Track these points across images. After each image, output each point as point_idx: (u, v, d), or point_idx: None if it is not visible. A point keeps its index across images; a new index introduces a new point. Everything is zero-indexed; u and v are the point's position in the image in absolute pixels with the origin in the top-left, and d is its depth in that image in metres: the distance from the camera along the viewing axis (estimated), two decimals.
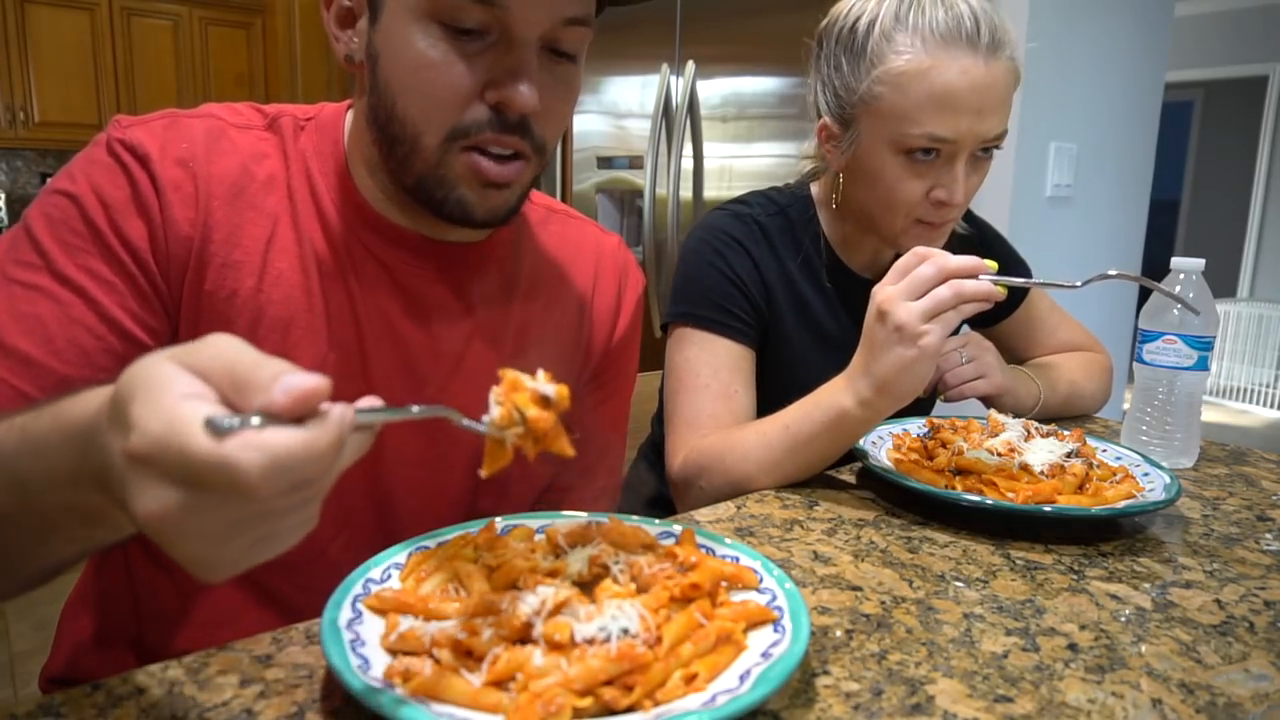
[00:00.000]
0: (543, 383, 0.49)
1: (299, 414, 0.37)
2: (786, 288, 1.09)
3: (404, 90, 0.66)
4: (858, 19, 0.98)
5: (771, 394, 1.03)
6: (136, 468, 0.37)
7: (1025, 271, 1.26)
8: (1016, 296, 1.25)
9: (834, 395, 0.87)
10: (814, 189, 1.16)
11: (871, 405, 0.84)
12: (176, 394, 0.36)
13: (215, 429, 0.35)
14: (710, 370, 1.03)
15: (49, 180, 0.67)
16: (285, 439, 0.36)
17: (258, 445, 0.35)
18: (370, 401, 0.42)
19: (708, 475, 0.95)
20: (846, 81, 1.00)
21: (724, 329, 1.04)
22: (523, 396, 0.49)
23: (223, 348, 0.39)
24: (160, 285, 0.67)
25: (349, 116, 0.76)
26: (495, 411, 0.48)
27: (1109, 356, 1.30)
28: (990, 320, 1.27)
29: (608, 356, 0.88)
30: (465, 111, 0.66)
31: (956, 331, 0.92)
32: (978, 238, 1.24)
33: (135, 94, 4.66)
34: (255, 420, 0.36)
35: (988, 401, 1.13)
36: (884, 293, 0.81)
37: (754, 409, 1.04)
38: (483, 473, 0.49)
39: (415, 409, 0.44)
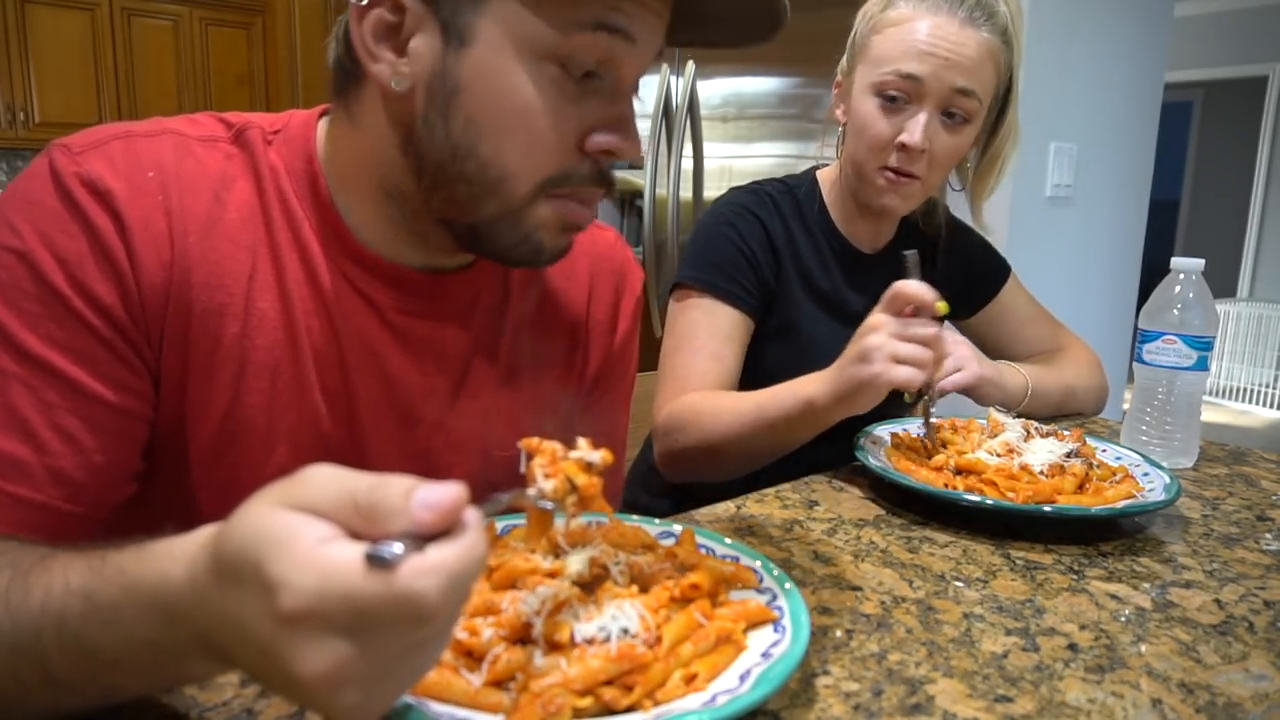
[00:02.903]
0: (587, 451, 0.48)
1: (447, 527, 0.36)
2: (794, 256, 1.18)
3: (498, 132, 0.59)
4: None
5: (775, 353, 1.15)
6: (296, 628, 0.34)
7: (1005, 271, 1.34)
8: (990, 290, 1.33)
9: (806, 387, 0.93)
10: (821, 175, 1.24)
11: (830, 406, 0.90)
12: (313, 540, 0.34)
13: (379, 563, 0.33)
14: (707, 333, 1.11)
15: None
16: (454, 556, 0.35)
17: (432, 569, 0.34)
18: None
19: (683, 431, 1.04)
20: (855, 37, 1.14)
21: (728, 296, 1.12)
22: (570, 465, 0.48)
23: (328, 480, 0.36)
24: (138, 341, 0.59)
25: (321, 126, 0.68)
26: (548, 485, 0.47)
27: (1093, 351, 1.33)
28: (964, 314, 1.34)
29: (607, 362, 0.85)
30: (565, 160, 0.61)
31: (921, 395, 0.98)
32: (950, 243, 1.31)
33: (135, 94, 4.66)
34: (403, 548, 0.34)
35: (978, 397, 1.14)
36: (877, 317, 0.87)
37: (738, 375, 1.13)
38: (528, 541, 0.49)
39: (503, 498, 0.43)
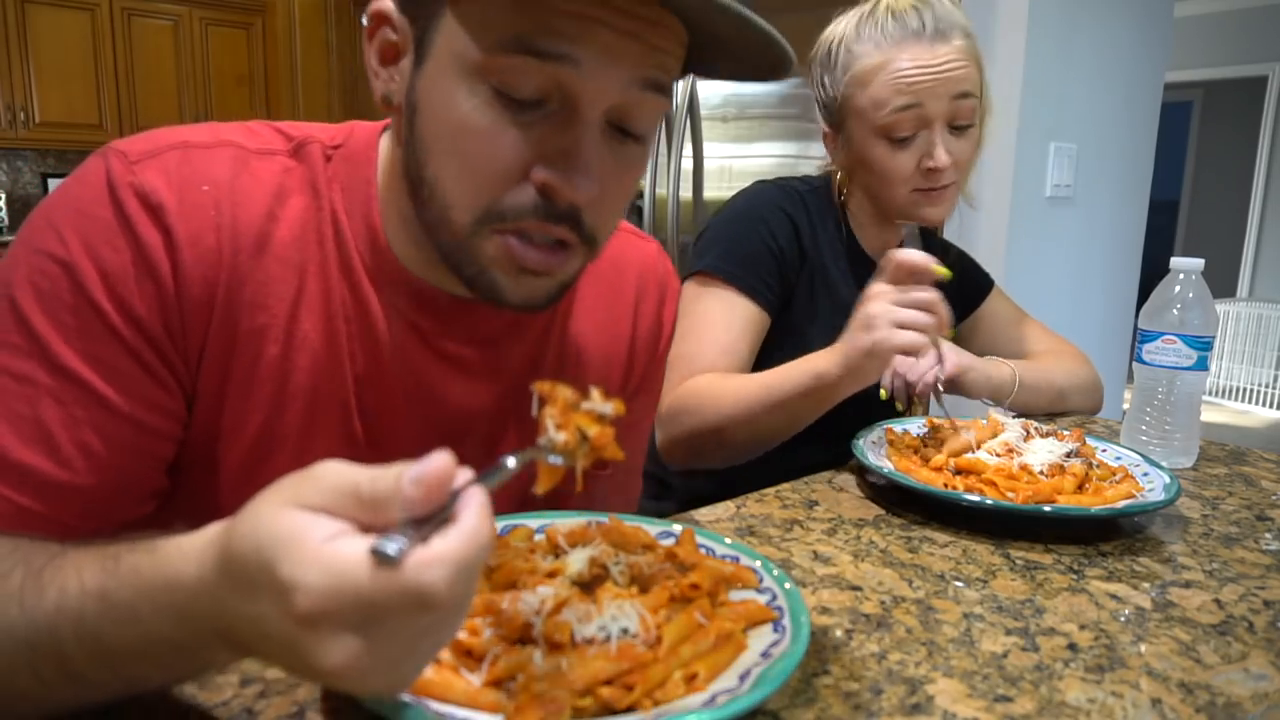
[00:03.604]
0: (599, 403, 0.47)
1: (439, 500, 0.36)
2: (817, 256, 1.20)
3: (439, 153, 0.56)
4: (829, 41, 1.16)
5: (780, 352, 1.12)
6: (312, 627, 0.34)
7: (989, 282, 1.38)
8: (976, 297, 1.36)
9: (814, 362, 0.95)
10: (838, 178, 1.25)
11: (839, 378, 0.92)
12: (320, 538, 0.35)
13: (384, 559, 0.34)
14: (724, 324, 1.11)
15: (31, 226, 0.56)
16: (456, 543, 0.35)
17: (435, 560, 0.34)
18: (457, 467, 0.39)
19: (688, 415, 1.04)
20: (829, 93, 1.16)
21: (750, 291, 1.13)
22: (581, 417, 0.47)
23: (333, 476, 0.37)
24: (174, 360, 0.58)
25: (384, 143, 0.66)
26: (559, 437, 0.46)
27: (1081, 350, 1.34)
28: (952, 322, 1.33)
29: (646, 375, 0.84)
30: (507, 192, 0.56)
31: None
32: (942, 250, 1.33)
33: (135, 94, 4.66)
34: (405, 542, 0.34)
35: (966, 388, 1.14)
36: (877, 286, 0.90)
37: (749, 370, 1.12)
38: (538, 490, 0.47)
39: (510, 462, 0.42)
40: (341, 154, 0.65)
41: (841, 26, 1.15)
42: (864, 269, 1.19)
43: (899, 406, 1.11)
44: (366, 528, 0.36)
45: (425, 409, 0.68)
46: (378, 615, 0.34)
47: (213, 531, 0.39)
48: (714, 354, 1.09)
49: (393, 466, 0.36)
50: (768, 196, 1.19)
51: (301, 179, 0.63)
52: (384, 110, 0.61)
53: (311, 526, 0.35)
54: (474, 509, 0.37)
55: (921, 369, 1.09)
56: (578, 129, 0.55)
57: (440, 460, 0.36)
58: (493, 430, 0.72)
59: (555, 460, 0.47)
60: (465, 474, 0.38)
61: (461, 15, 0.54)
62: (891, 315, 0.87)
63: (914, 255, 0.89)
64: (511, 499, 0.80)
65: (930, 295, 0.88)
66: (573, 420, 0.47)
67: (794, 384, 0.96)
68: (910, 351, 0.88)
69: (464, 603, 0.37)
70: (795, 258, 1.16)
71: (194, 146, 0.60)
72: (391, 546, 0.34)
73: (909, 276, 0.89)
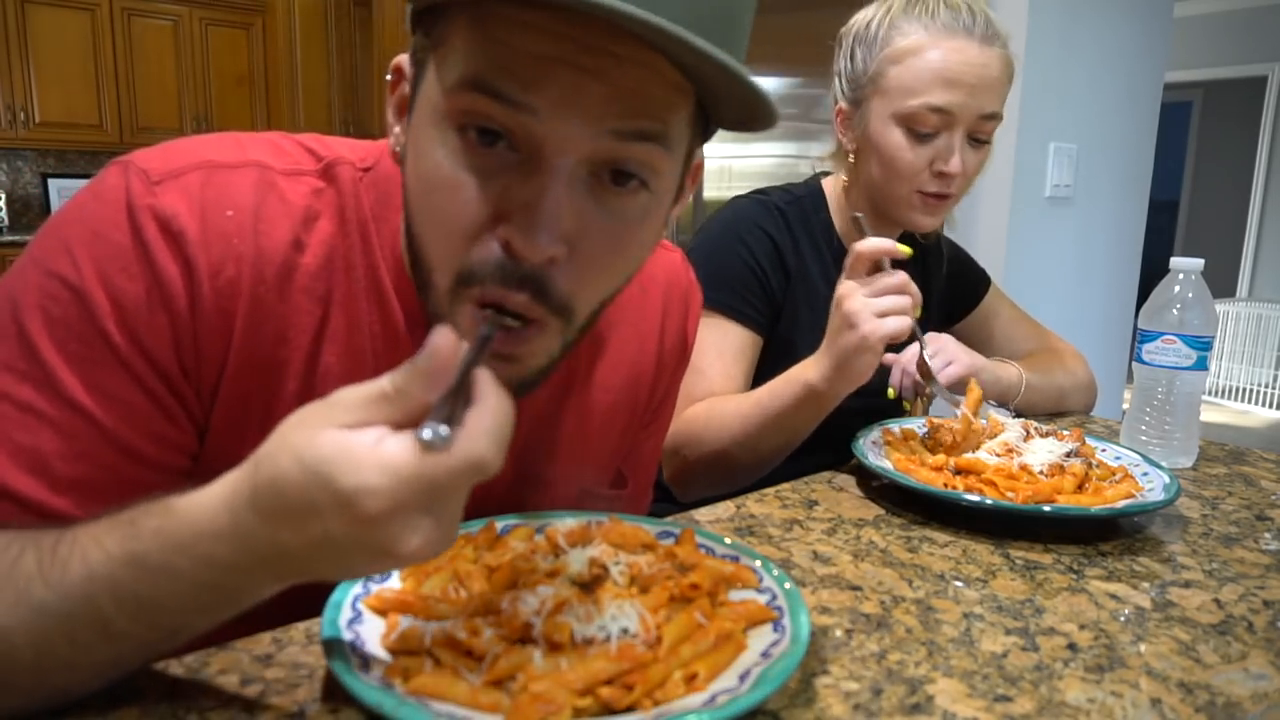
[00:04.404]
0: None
1: (452, 369, 0.39)
2: (801, 271, 1.16)
3: (418, 209, 0.54)
4: (871, 17, 1.12)
5: (775, 369, 1.09)
6: (385, 525, 0.38)
7: (987, 279, 1.37)
8: (973, 295, 1.35)
9: (803, 372, 0.95)
10: (825, 184, 1.23)
11: (831, 383, 0.92)
12: (367, 445, 0.38)
13: (433, 444, 0.37)
14: (716, 352, 1.10)
15: (42, 241, 0.54)
16: (490, 415, 0.39)
17: (480, 432, 0.38)
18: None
19: (690, 445, 1.03)
20: (859, 67, 1.12)
21: (739, 315, 1.11)
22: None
23: (352, 394, 0.40)
24: (187, 395, 0.56)
25: None
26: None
27: (1075, 349, 1.34)
28: (954, 319, 1.35)
29: (668, 390, 0.83)
30: (473, 248, 0.51)
31: (912, 339, 0.99)
32: (938, 249, 1.32)
33: (135, 94, 4.66)
34: (447, 429, 0.38)
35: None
36: (844, 285, 0.91)
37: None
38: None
39: (484, 330, 0.47)
40: (372, 177, 0.62)
41: (890, 4, 1.11)
42: None
43: (906, 406, 1.10)
44: (398, 428, 0.39)
45: None
46: (441, 494, 0.38)
47: (231, 479, 0.42)
48: (709, 383, 1.07)
49: (404, 365, 0.40)
50: (745, 215, 1.16)
51: (330, 203, 0.60)
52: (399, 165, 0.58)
53: (355, 438, 0.38)
54: (488, 384, 0.41)
55: (910, 355, 1.08)
56: (542, 178, 0.49)
57: (440, 335, 0.39)
58: (516, 464, 0.70)
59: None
60: (485, 372, 0.42)
61: (438, 61, 0.51)
62: (870, 307, 0.87)
63: (872, 244, 0.90)
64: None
65: (898, 278, 0.89)
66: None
67: (786, 397, 0.95)
68: (899, 338, 0.88)
69: (500, 461, 0.40)
70: (779, 275, 1.14)
71: (219, 167, 0.57)
72: (434, 433, 0.37)
73: (873, 265, 0.90)
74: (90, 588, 0.44)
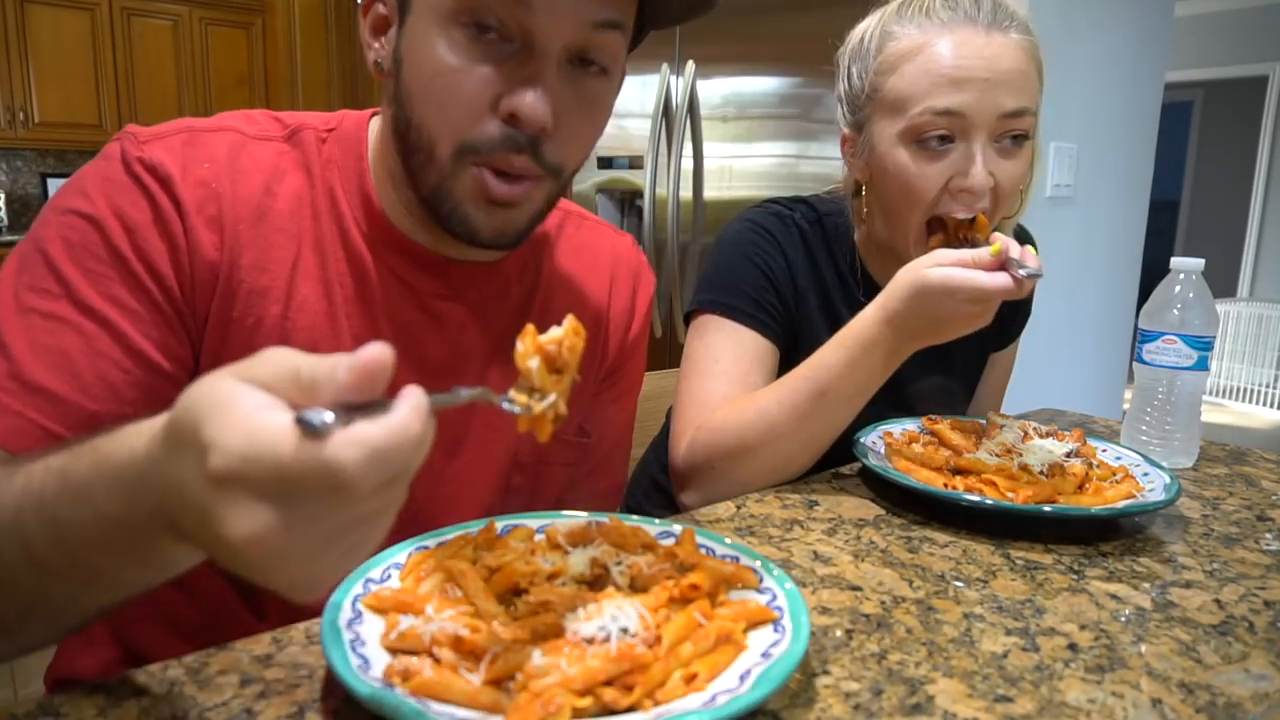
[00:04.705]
0: (553, 331, 0.49)
1: (372, 386, 0.37)
2: (819, 295, 1.06)
3: (422, 97, 0.64)
4: (864, 30, 1.00)
5: None
6: (223, 489, 0.35)
7: (1025, 318, 1.24)
8: (1014, 332, 1.24)
9: (862, 331, 0.86)
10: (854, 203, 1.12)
11: (905, 342, 0.85)
12: (249, 407, 0.35)
13: (309, 429, 0.34)
14: (731, 357, 0.99)
15: (57, 196, 0.65)
16: (379, 429, 0.35)
17: (355, 440, 0.34)
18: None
19: (720, 454, 0.91)
20: (855, 85, 0.99)
21: (752, 320, 1.01)
22: (543, 341, 0.49)
23: (279, 358, 0.38)
24: (184, 310, 0.64)
25: (373, 126, 0.73)
26: (533, 364, 0.48)
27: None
28: (993, 346, 1.23)
29: (621, 356, 0.88)
30: (477, 124, 0.63)
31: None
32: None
33: (135, 94, 4.66)
34: (333, 417, 0.35)
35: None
36: (942, 262, 0.82)
37: None
38: (519, 429, 0.49)
39: (463, 393, 0.43)
40: (335, 136, 0.72)
41: (883, 12, 0.99)
42: None
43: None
44: (298, 408, 0.36)
45: (417, 368, 0.72)
46: (290, 488, 0.34)
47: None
48: (725, 387, 0.97)
49: (337, 355, 0.37)
50: (759, 223, 1.06)
51: (296, 161, 0.70)
52: (376, 76, 0.68)
53: (243, 394, 0.36)
54: (407, 405, 0.37)
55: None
56: (536, 62, 0.62)
57: (376, 349, 0.37)
58: (479, 382, 0.75)
59: (511, 408, 0.48)
60: (417, 391, 0.38)
61: None
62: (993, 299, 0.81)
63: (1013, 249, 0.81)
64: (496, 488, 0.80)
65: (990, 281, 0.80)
66: (538, 343, 0.48)
67: (841, 363, 0.86)
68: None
69: (386, 504, 0.38)
70: (789, 289, 1.03)
71: (198, 130, 0.67)
72: (317, 419, 0.34)
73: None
74: (22, 501, 0.46)
